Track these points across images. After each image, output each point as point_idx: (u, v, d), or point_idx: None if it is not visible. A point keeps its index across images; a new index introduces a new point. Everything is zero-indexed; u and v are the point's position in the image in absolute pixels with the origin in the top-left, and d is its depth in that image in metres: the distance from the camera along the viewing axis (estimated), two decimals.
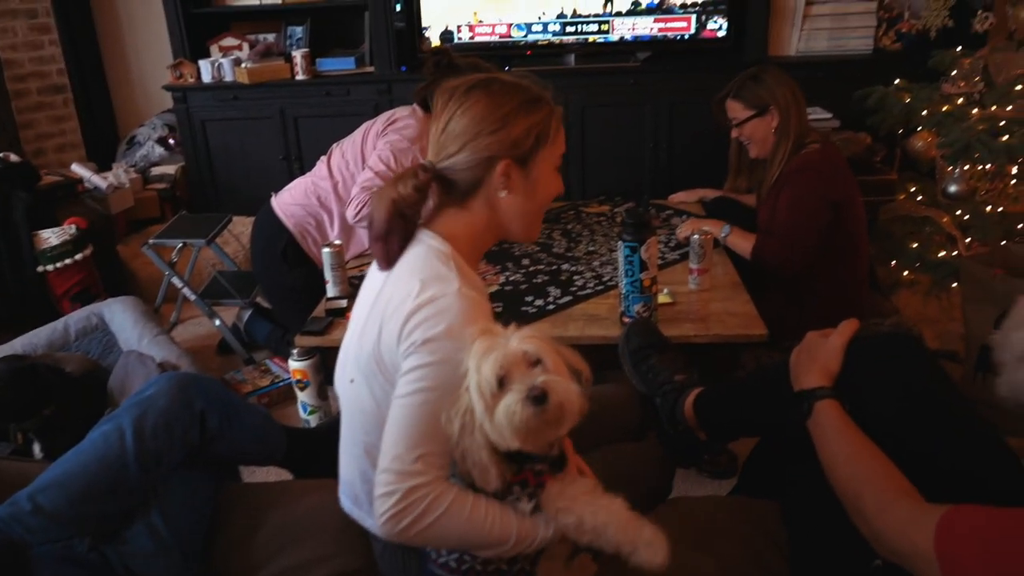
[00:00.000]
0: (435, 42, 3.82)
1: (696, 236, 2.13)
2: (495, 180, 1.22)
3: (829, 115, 3.44)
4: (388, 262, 1.24)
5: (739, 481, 1.60)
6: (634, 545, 1.04)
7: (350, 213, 2.35)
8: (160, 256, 2.95)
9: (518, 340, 1.03)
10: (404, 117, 2.44)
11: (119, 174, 3.73)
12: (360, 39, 4.10)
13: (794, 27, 3.73)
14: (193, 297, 2.90)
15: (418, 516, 1.07)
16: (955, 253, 2.62)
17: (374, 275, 1.30)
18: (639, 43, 3.80)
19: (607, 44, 3.83)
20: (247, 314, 2.89)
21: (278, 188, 2.76)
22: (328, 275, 2.17)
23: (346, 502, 1.36)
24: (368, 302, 1.26)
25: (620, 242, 1.89)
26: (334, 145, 2.61)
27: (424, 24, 3.81)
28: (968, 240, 2.69)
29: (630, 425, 1.64)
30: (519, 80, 1.27)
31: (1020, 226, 2.69)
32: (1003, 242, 2.72)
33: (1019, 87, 2.53)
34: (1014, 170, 2.65)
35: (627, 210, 2.76)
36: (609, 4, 3.73)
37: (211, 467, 1.53)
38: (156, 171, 4.07)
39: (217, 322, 2.88)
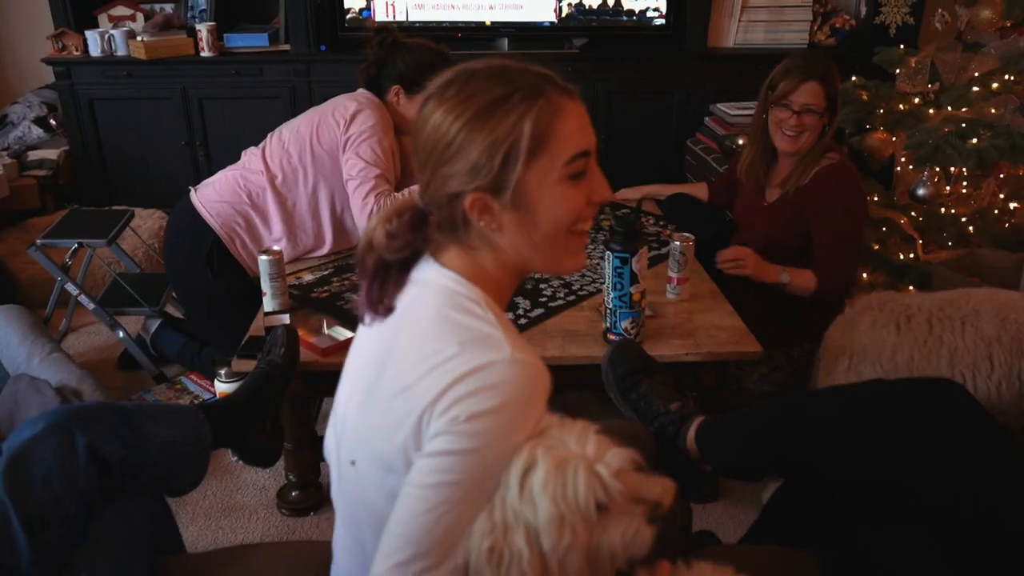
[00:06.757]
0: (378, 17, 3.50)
1: (678, 243, 1.97)
2: (473, 218, 0.93)
3: None
4: (381, 310, 0.97)
5: (760, 521, 1.45)
6: None
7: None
8: (50, 258, 2.54)
9: (594, 445, 0.81)
10: (356, 110, 2.16)
11: None
12: (272, 13, 3.72)
13: (732, 18, 3.63)
14: (92, 306, 2.51)
15: None
16: (911, 256, 2.58)
17: (368, 332, 1.02)
18: (577, 28, 3.62)
19: (542, 28, 3.63)
20: (155, 324, 2.53)
21: (180, 178, 2.40)
22: (265, 286, 1.87)
23: None
24: (372, 370, 0.96)
25: (608, 252, 1.70)
26: (270, 135, 2.28)
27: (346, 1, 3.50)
28: (920, 242, 2.65)
29: (649, 461, 1.46)
30: (499, 70, 0.94)
31: (972, 229, 2.68)
32: (953, 245, 2.70)
33: (976, 88, 2.49)
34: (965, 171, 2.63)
35: (617, 217, 2.53)
36: None
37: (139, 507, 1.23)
38: (34, 155, 3.57)
39: (121, 334, 2.50)
